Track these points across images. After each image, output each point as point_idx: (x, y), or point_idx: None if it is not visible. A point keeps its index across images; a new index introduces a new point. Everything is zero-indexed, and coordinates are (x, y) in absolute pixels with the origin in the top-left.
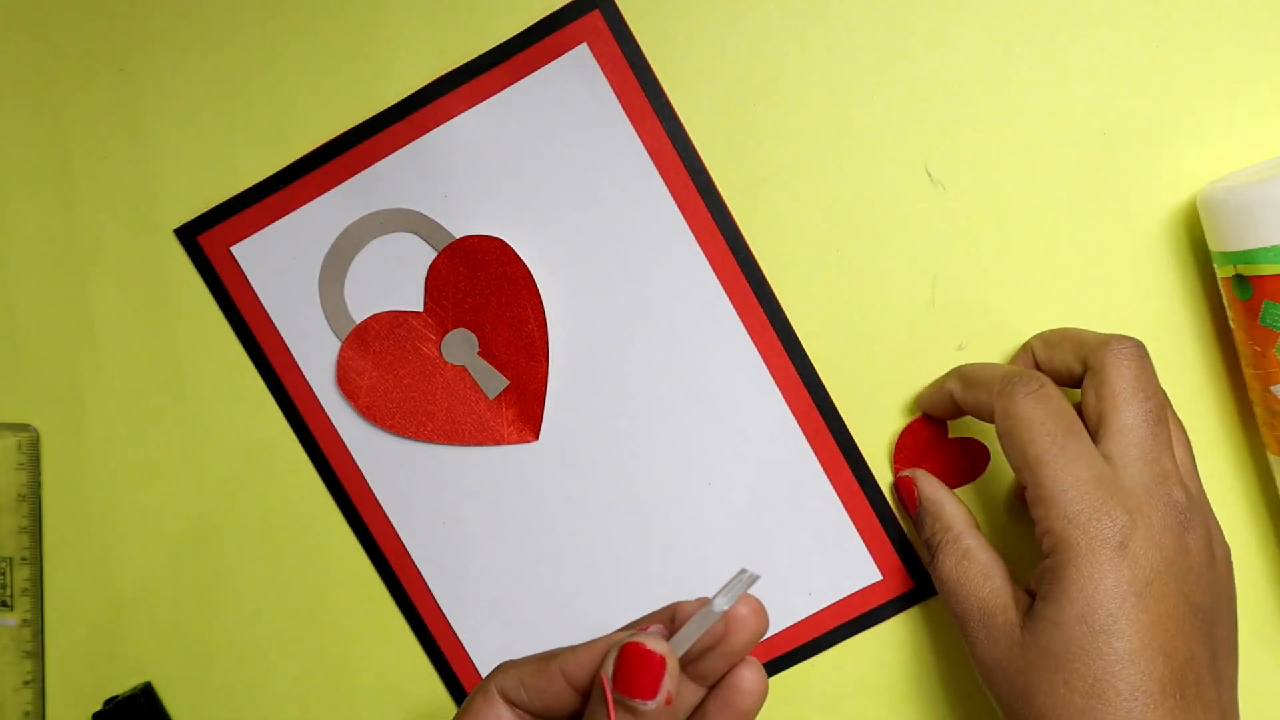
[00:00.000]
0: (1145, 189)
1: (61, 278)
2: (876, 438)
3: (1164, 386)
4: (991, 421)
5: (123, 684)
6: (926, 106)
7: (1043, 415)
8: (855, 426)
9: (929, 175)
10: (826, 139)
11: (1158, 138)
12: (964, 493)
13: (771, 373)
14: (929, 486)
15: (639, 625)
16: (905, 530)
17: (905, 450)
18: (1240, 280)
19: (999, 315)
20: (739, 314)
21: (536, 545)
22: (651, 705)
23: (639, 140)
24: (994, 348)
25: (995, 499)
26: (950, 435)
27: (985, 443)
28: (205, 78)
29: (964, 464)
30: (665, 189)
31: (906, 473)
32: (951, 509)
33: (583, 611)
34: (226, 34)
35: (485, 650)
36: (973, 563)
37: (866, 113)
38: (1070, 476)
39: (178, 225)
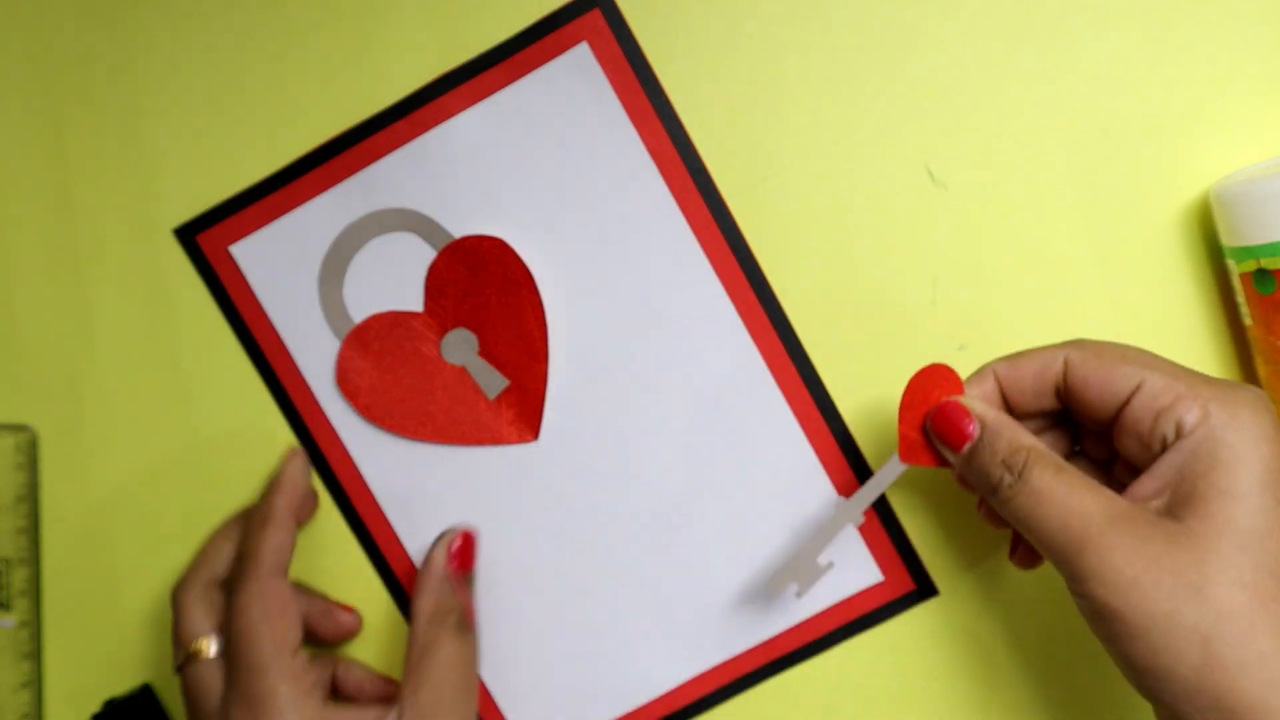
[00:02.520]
0: (1145, 188)
1: (60, 278)
2: (878, 439)
3: None
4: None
5: (122, 685)
6: (927, 106)
7: None
8: (856, 427)
9: (930, 175)
10: (827, 139)
11: (1157, 136)
12: None
13: (771, 371)
14: (982, 406)
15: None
16: (907, 531)
17: (913, 407)
18: (1262, 274)
19: (1000, 315)
20: (739, 313)
21: (536, 544)
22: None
23: (639, 139)
24: (995, 348)
25: None
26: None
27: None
28: (204, 77)
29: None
30: (665, 188)
31: (951, 399)
32: (1018, 425)
33: (583, 610)
34: (225, 34)
35: (484, 650)
36: (1072, 473)
37: (867, 112)
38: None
39: (177, 225)
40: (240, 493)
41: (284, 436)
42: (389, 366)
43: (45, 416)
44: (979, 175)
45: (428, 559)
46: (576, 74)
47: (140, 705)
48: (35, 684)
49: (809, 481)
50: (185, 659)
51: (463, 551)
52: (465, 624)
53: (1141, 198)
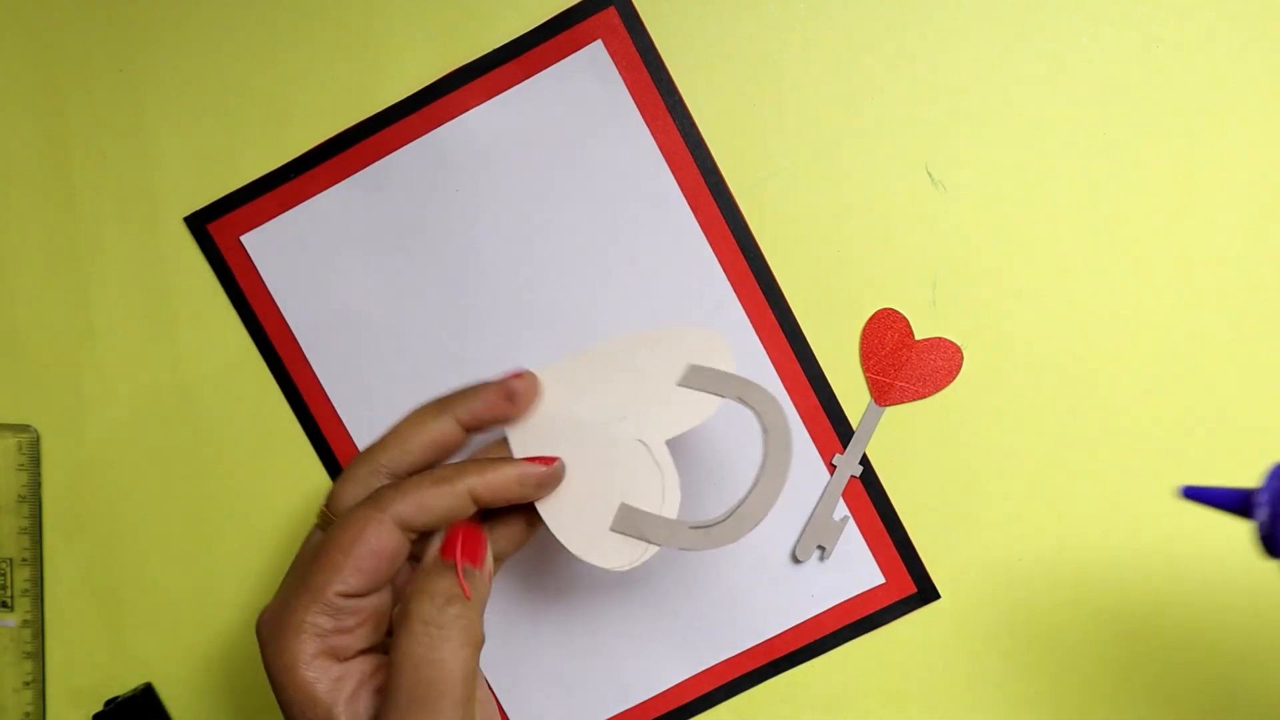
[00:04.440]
0: (1145, 186)
1: (62, 278)
2: (879, 439)
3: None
4: None
5: (123, 685)
6: (927, 107)
7: None
8: (856, 420)
9: (929, 175)
10: (828, 139)
11: (1157, 136)
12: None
13: (777, 371)
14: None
15: (542, 460)
16: (910, 534)
17: (873, 353)
18: None
19: (999, 315)
20: (745, 310)
21: (537, 543)
22: (482, 571)
23: (651, 137)
24: (994, 347)
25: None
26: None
27: (957, 343)
28: (212, 69)
29: (937, 366)
30: (676, 186)
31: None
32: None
33: (584, 607)
34: (235, 25)
35: (485, 650)
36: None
37: (867, 114)
38: None
39: (186, 214)
40: (247, 493)
41: (293, 434)
42: None
43: (47, 416)
44: (979, 175)
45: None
46: (590, 71)
47: (142, 704)
48: (38, 683)
49: (811, 472)
50: (321, 520)
51: (466, 543)
52: (444, 608)
53: (1142, 197)
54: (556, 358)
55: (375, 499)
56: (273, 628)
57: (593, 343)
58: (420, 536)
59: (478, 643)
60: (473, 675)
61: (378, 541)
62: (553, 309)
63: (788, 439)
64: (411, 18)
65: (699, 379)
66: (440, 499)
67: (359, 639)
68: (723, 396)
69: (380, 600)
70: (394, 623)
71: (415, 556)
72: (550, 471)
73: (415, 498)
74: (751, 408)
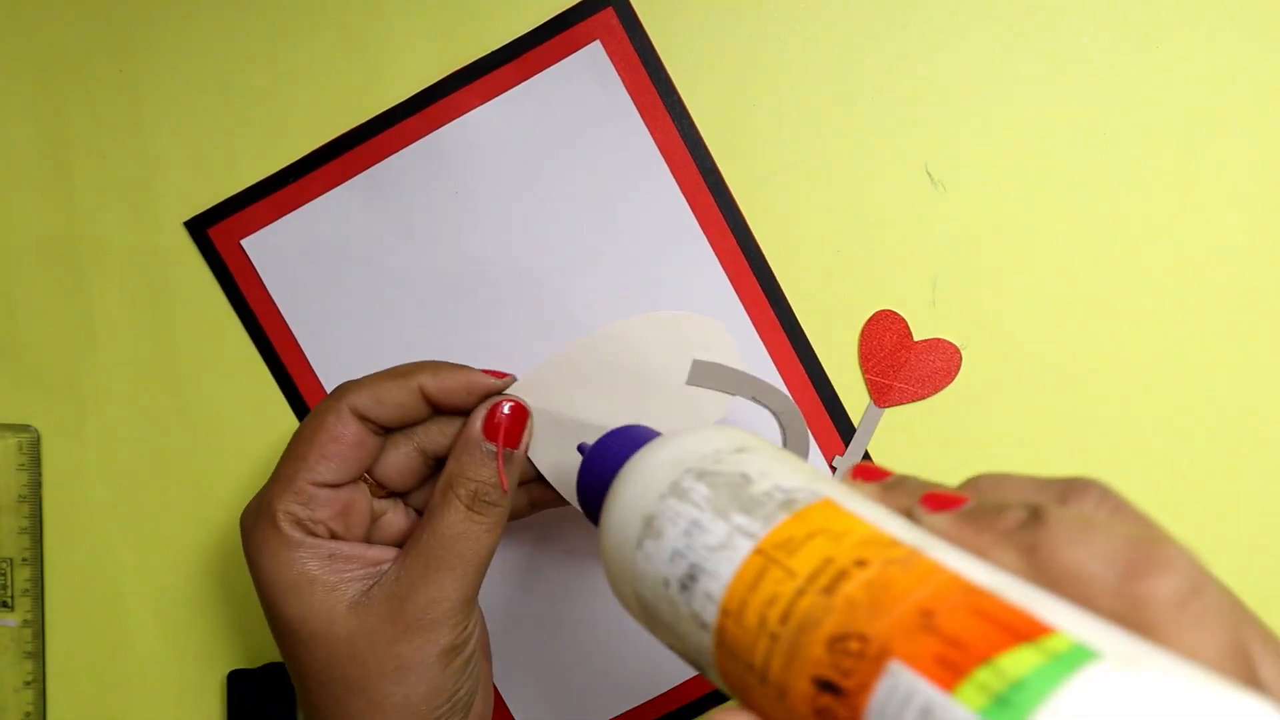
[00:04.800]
0: (1145, 186)
1: (62, 277)
2: (879, 439)
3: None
4: None
5: (123, 684)
6: (927, 108)
7: None
8: (857, 418)
9: (929, 176)
10: (828, 140)
11: (1157, 136)
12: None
13: (779, 371)
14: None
15: (492, 373)
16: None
17: (872, 355)
18: None
19: (999, 315)
20: (746, 310)
21: (538, 540)
22: (518, 454)
23: (651, 138)
24: (994, 347)
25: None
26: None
27: (956, 344)
28: (211, 71)
29: (935, 367)
30: (676, 187)
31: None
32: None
33: (586, 605)
34: (235, 26)
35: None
36: None
37: (868, 114)
38: None
39: (187, 218)
40: (246, 493)
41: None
42: None
43: (48, 416)
44: (979, 175)
45: (467, 420)
46: (589, 72)
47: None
48: (38, 683)
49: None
50: None
51: (506, 423)
52: (481, 499)
53: (1141, 197)
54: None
55: (335, 392)
56: (252, 519)
57: (583, 338)
58: (384, 430)
59: (505, 521)
60: (495, 548)
61: (338, 428)
62: (553, 310)
63: (805, 443)
64: (411, 19)
65: (708, 376)
66: (393, 392)
67: (328, 532)
68: (735, 395)
69: (350, 496)
70: (436, 492)
71: (395, 491)
72: (496, 384)
73: (370, 390)
74: (769, 409)
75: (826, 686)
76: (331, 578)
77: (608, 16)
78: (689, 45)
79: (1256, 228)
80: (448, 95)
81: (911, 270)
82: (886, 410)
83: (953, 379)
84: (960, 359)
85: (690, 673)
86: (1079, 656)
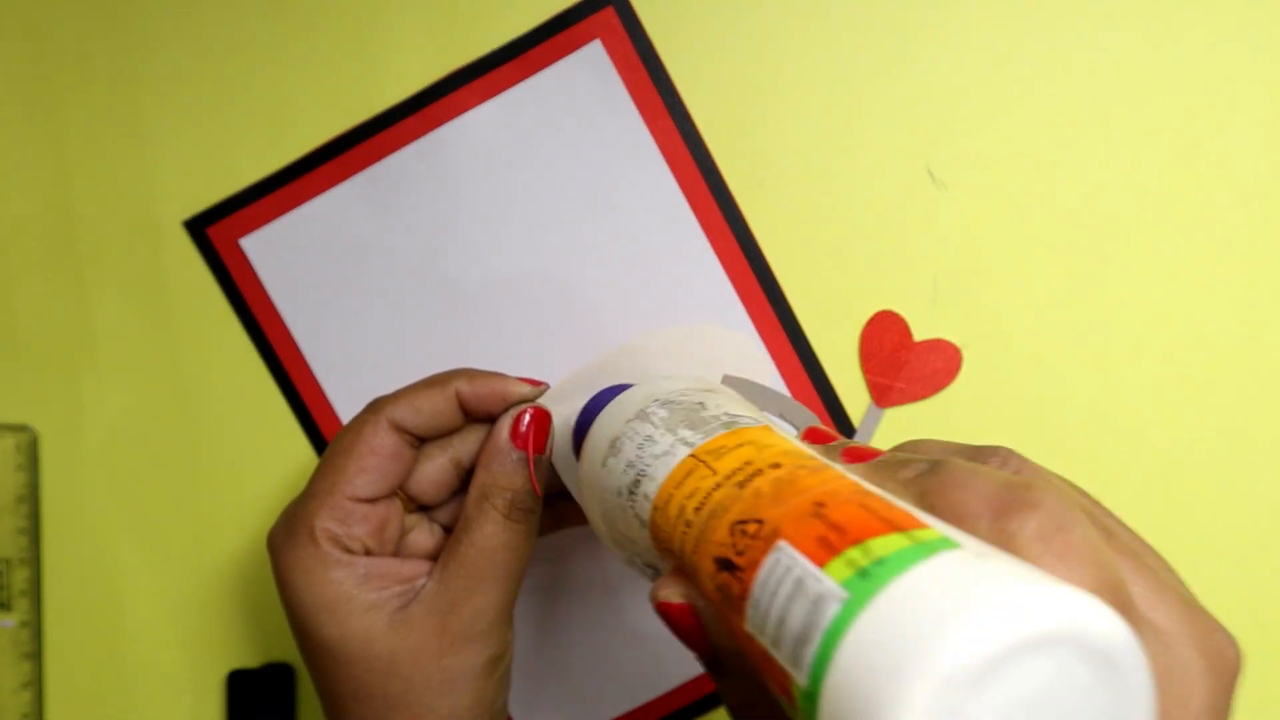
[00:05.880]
0: (1146, 186)
1: (61, 277)
2: (880, 439)
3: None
4: None
5: (123, 684)
6: (928, 107)
7: None
8: (857, 418)
9: (930, 175)
10: (828, 140)
11: (1158, 135)
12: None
13: (780, 371)
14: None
15: (527, 380)
16: None
17: (872, 355)
18: None
19: (999, 315)
20: (748, 310)
21: (539, 540)
22: (544, 459)
23: (651, 137)
24: (994, 347)
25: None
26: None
27: (957, 344)
28: (210, 71)
29: (936, 367)
30: (676, 186)
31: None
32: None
33: (588, 604)
34: (235, 26)
35: None
36: None
37: (868, 114)
38: None
39: (186, 218)
40: (245, 493)
41: (292, 435)
42: None
43: (46, 416)
44: (979, 175)
45: (493, 430)
46: (589, 71)
47: (271, 677)
48: (36, 684)
49: None
50: None
51: (533, 429)
52: (517, 507)
53: (1142, 197)
54: (572, 362)
55: (371, 405)
56: (284, 536)
57: (614, 349)
58: (419, 441)
59: (538, 527)
60: (530, 556)
61: (376, 440)
62: (554, 310)
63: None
64: (411, 18)
65: (737, 392)
66: (430, 400)
67: (363, 548)
68: (763, 412)
69: (386, 511)
70: (469, 504)
71: (424, 505)
72: (530, 392)
73: (407, 400)
74: (795, 426)
75: (725, 565)
76: (370, 596)
77: (608, 15)
78: (689, 45)
79: (1257, 227)
80: (447, 94)
81: (912, 270)
82: (887, 410)
83: (953, 379)
84: (961, 359)
85: (690, 674)
86: (940, 545)
